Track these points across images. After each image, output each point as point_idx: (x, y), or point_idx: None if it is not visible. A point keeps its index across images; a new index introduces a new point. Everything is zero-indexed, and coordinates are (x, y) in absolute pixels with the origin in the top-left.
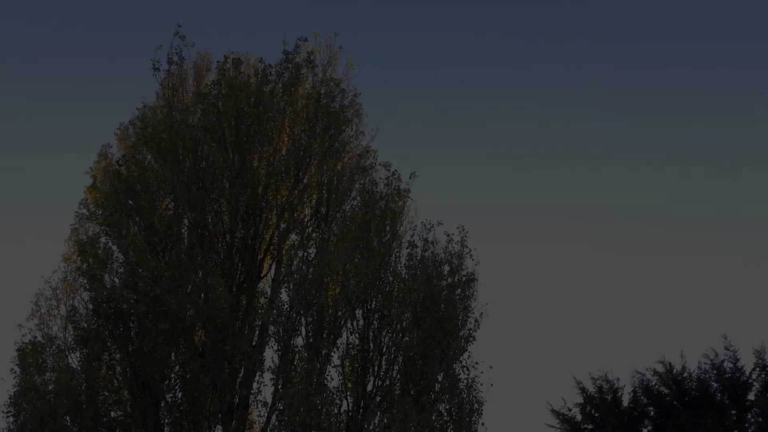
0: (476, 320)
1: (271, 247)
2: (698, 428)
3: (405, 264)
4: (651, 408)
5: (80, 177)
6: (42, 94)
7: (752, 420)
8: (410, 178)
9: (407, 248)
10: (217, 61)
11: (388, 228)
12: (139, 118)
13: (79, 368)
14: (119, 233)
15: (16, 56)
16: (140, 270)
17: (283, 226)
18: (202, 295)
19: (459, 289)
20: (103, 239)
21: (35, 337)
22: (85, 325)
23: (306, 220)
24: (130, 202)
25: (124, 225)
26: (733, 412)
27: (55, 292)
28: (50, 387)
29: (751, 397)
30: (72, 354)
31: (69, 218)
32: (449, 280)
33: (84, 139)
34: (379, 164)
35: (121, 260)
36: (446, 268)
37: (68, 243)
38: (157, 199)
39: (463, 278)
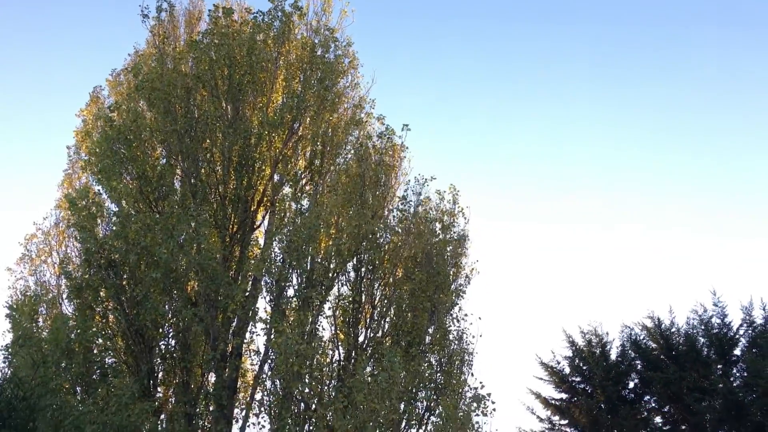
0: (467, 276)
1: (265, 199)
2: (684, 381)
3: (397, 218)
4: (638, 361)
5: (72, 119)
6: (36, 35)
7: (737, 374)
8: (403, 130)
9: (400, 203)
10: (209, 10)
11: (381, 182)
12: (129, 67)
13: (72, 317)
14: (110, 184)
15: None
16: (132, 220)
17: (276, 177)
18: (195, 245)
19: (450, 246)
20: (95, 188)
21: (27, 282)
22: (79, 274)
23: (300, 172)
24: (123, 151)
25: (116, 174)
26: (719, 366)
27: (47, 238)
28: (44, 335)
29: (737, 352)
30: (66, 302)
31: (60, 161)
32: (441, 236)
33: (76, 81)
34: (374, 118)
35: (113, 210)
36: (438, 225)
37: (61, 187)
38: (150, 148)
39: (456, 237)
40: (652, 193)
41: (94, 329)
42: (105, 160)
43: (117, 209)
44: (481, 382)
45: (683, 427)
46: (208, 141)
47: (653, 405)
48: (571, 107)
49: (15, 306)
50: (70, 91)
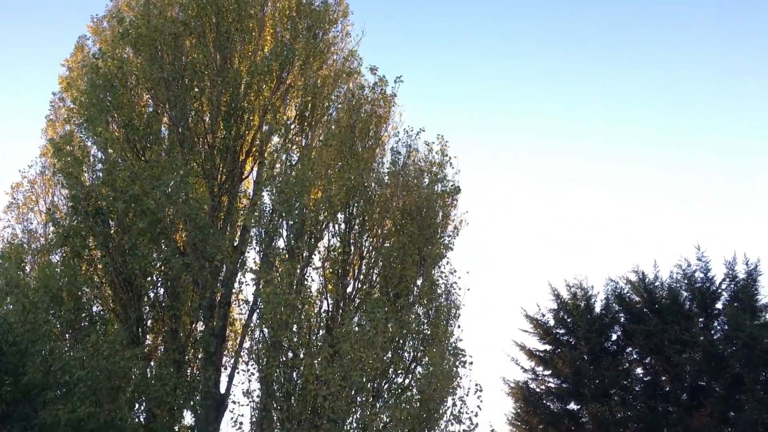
0: (456, 227)
1: (254, 149)
2: (666, 334)
3: (388, 170)
4: (621, 314)
5: (56, 67)
6: None
7: (718, 328)
8: (395, 82)
9: (390, 155)
10: None
11: (372, 133)
12: (113, 13)
13: (59, 264)
14: (95, 130)
15: None
16: (118, 168)
17: (265, 127)
18: (183, 194)
19: (440, 198)
20: (80, 135)
21: (14, 230)
22: (66, 223)
23: (289, 122)
24: (108, 98)
25: (101, 121)
26: (701, 319)
27: (33, 187)
28: (32, 284)
29: (719, 306)
30: (53, 251)
31: (44, 109)
32: (431, 188)
33: (60, 28)
34: (366, 68)
35: (99, 157)
36: (427, 176)
37: (45, 134)
38: (136, 95)
39: (448, 189)
40: (644, 150)
41: (82, 277)
42: (90, 108)
43: (103, 157)
44: (459, 337)
45: (663, 378)
46: (196, 89)
47: (635, 356)
48: (566, 60)
49: (2, 254)
50: (53, 40)
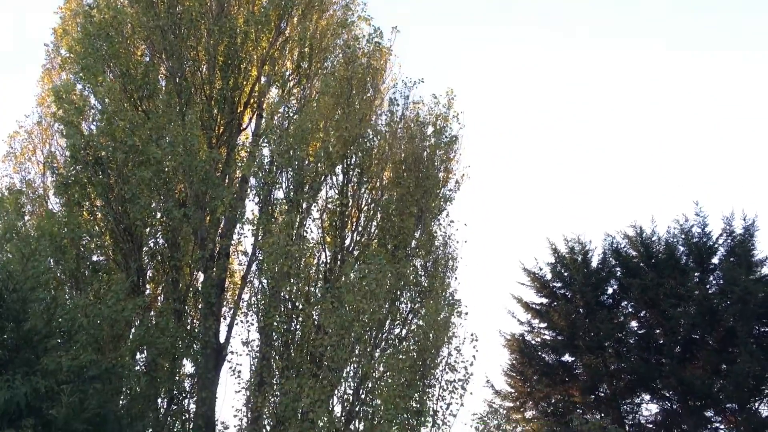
0: (457, 182)
1: (252, 101)
2: (661, 288)
3: (385, 122)
4: (618, 269)
5: (51, 16)
6: None
7: (714, 282)
8: (392, 33)
9: (388, 106)
10: None
11: (369, 85)
12: None
13: (60, 213)
14: (94, 79)
15: None
16: (117, 118)
17: (263, 79)
18: (182, 146)
19: (441, 150)
20: (78, 86)
21: (12, 179)
22: (64, 171)
23: (287, 74)
24: (104, 48)
25: (99, 70)
26: (696, 274)
27: (30, 136)
28: (31, 231)
29: (715, 260)
30: (52, 199)
31: (40, 58)
32: (432, 140)
33: None
34: (362, 18)
35: (97, 108)
36: (430, 128)
37: (41, 83)
38: (133, 45)
39: (446, 139)
40: (646, 107)
41: (83, 226)
42: (86, 57)
43: (100, 107)
44: (455, 289)
45: (657, 331)
46: (192, 39)
47: (630, 310)
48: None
49: (1, 198)
50: None
